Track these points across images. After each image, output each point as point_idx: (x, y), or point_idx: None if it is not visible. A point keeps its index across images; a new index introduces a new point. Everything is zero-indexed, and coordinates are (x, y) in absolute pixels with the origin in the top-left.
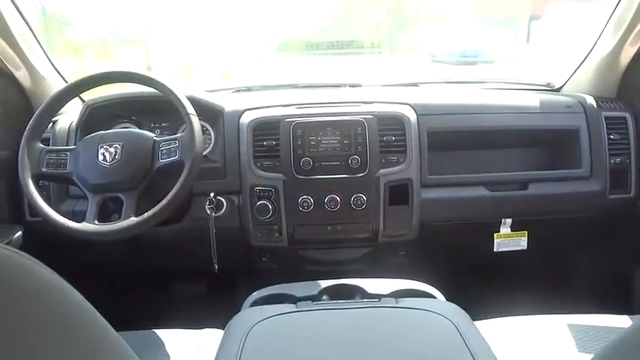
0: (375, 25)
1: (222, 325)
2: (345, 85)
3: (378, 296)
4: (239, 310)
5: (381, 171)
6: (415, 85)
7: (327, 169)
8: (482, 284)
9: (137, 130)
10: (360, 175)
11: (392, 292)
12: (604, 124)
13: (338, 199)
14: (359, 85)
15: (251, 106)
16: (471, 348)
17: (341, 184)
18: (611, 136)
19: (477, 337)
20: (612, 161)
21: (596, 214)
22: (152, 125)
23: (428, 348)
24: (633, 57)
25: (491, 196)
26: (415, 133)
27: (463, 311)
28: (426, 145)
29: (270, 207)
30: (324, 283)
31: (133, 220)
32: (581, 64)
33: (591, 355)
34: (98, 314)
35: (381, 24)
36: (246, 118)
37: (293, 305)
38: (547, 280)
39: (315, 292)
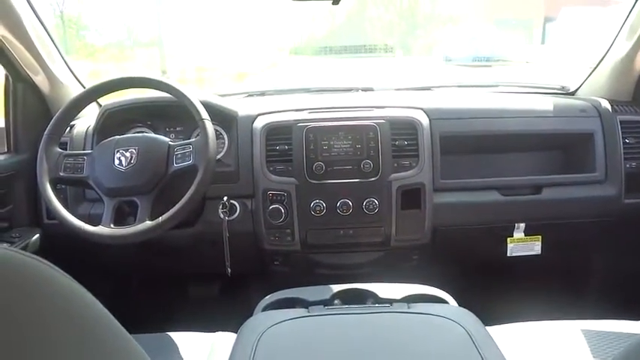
0: (388, 28)
1: (234, 329)
2: (357, 89)
3: (390, 301)
4: (251, 314)
5: (393, 175)
6: (428, 89)
7: (340, 174)
8: (495, 289)
9: (152, 135)
10: (373, 179)
11: (404, 297)
12: (619, 127)
13: (350, 203)
14: (371, 89)
15: (264, 111)
16: (482, 354)
17: (353, 188)
18: (627, 140)
19: (489, 343)
20: (627, 165)
21: (611, 219)
22: (167, 129)
23: (440, 354)
24: None
25: (504, 200)
26: (428, 137)
27: (475, 317)
28: (438, 149)
29: (283, 211)
30: (336, 288)
31: (148, 223)
32: (596, 68)
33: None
34: (112, 317)
35: (395, 26)
36: (259, 123)
37: (305, 310)
38: (561, 285)
39: (326, 297)
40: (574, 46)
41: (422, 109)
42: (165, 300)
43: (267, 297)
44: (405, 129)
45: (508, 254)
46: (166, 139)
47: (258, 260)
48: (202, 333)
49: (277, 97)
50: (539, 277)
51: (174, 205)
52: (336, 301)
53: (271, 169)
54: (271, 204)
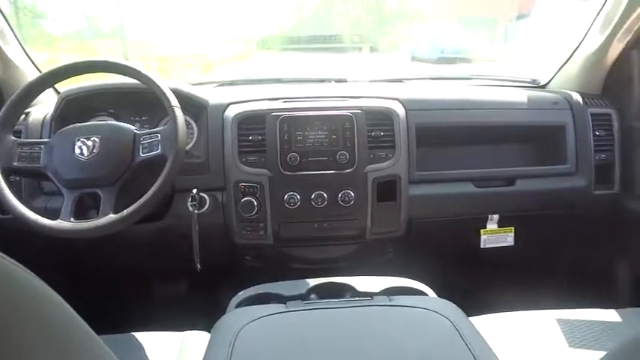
0: (356, 23)
1: (205, 327)
2: (330, 80)
3: (370, 294)
4: (223, 311)
5: (370, 167)
6: (400, 81)
7: (315, 165)
8: (471, 280)
9: (116, 123)
10: (348, 170)
11: (383, 290)
12: (590, 120)
13: (325, 195)
14: (344, 81)
15: (236, 100)
16: (469, 345)
17: (328, 180)
18: (597, 133)
19: (473, 333)
20: (597, 157)
21: (582, 210)
22: (131, 119)
23: (426, 346)
24: (620, 53)
25: (478, 192)
26: (404, 128)
27: (458, 308)
28: (414, 140)
29: (256, 203)
30: (312, 282)
31: (112, 217)
32: (567, 61)
33: (585, 349)
34: (78, 317)
35: (362, 22)
36: (230, 112)
37: (282, 305)
38: (534, 275)
39: (303, 291)
40: (546, 39)
41: (398, 99)
42: (131, 298)
43: (240, 293)
44: (381, 119)
45: (482, 246)
46: (132, 127)
47: (229, 255)
48: (171, 332)
49: (249, 87)
50: (514, 268)
51: (139, 198)
52: (312, 296)
53: (243, 160)
54: (243, 196)
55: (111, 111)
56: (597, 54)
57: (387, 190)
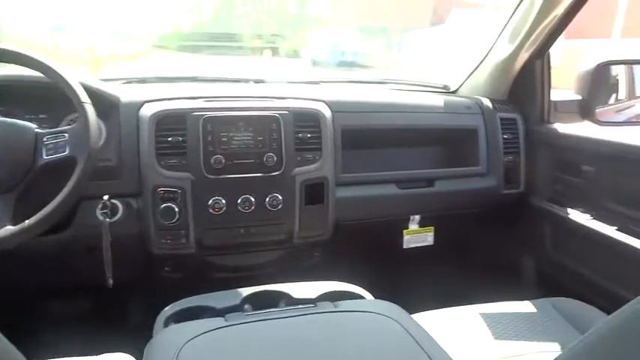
0: (257, 26)
1: (125, 348)
2: (248, 81)
3: (308, 301)
4: (147, 330)
5: (297, 169)
6: (317, 83)
7: (241, 168)
8: (396, 280)
9: (12, 120)
10: (276, 173)
11: (320, 296)
12: (499, 124)
13: (252, 199)
14: (262, 81)
15: (152, 98)
16: (420, 343)
17: (255, 183)
18: (505, 136)
19: (421, 331)
20: (506, 159)
21: (493, 208)
22: (26, 117)
23: (380, 349)
24: (525, 63)
25: (401, 193)
26: (330, 130)
27: (401, 308)
28: (340, 142)
29: (177, 210)
30: (245, 292)
31: (10, 228)
32: (476, 69)
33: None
34: None
35: (264, 26)
36: (147, 111)
37: (221, 319)
38: (454, 271)
39: (236, 302)
40: (456, 47)
41: (324, 101)
42: (37, 321)
43: (166, 309)
44: (309, 121)
45: (404, 246)
46: (31, 125)
47: (145, 267)
48: (87, 357)
49: (162, 85)
50: (435, 266)
51: (42, 206)
52: (246, 307)
53: (162, 163)
54: (162, 202)
55: (1, 109)
56: (505, 62)
57: (315, 192)
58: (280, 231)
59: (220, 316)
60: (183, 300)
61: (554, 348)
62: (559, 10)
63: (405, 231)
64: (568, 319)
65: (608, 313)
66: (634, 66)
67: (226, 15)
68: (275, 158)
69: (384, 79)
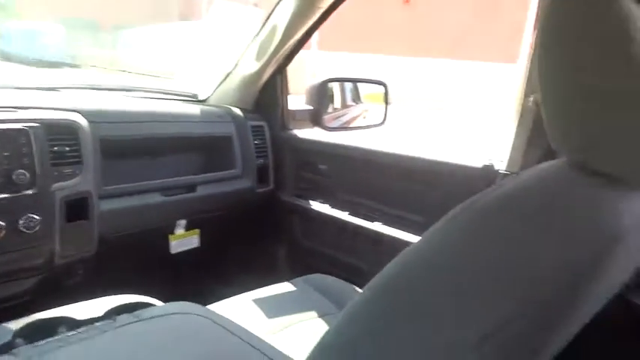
0: None
1: None
2: None
3: (95, 320)
4: None
5: (56, 185)
6: (54, 89)
7: None
8: (170, 286)
9: None
10: (30, 192)
11: (107, 312)
12: (250, 131)
13: (2, 224)
14: None
15: None
16: (237, 334)
17: (5, 205)
18: (256, 142)
19: (223, 319)
20: (258, 162)
21: (250, 206)
22: None
23: (203, 346)
24: (269, 77)
25: (165, 200)
26: (90, 141)
27: (198, 305)
28: (99, 154)
29: None
30: (14, 325)
31: None
32: (224, 80)
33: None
34: None
35: None
36: None
37: (9, 356)
38: (222, 267)
39: (7, 339)
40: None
41: (78, 111)
42: None
43: None
44: (65, 133)
45: (172, 251)
46: None
47: None
48: None
49: None
50: (204, 265)
51: None
52: (17, 340)
53: None
54: None
55: None
56: (253, 76)
57: (77, 208)
58: (38, 254)
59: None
60: None
61: (313, 315)
62: (299, 35)
63: (172, 236)
64: (320, 292)
65: (352, 282)
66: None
67: None
68: (27, 175)
69: (131, 86)
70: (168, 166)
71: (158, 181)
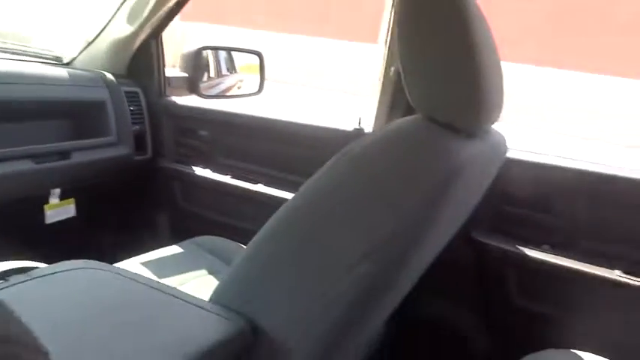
0: None
1: None
2: None
3: None
4: None
5: None
6: None
7: None
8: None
9: None
10: None
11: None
12: (124, 97)
13: None
14: None
15: None
16: (144, 282)
17: None
18: (131, 108)
19: (129, 272)
20: (134, 129)
21: (128, 174)
22: None
23: (117, 296)
24: (143, 42)
25: (37, 168)
26: None
27: (98, 262)
28: None
29: None
30: None
31: None
32: (91, 43)
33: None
34: None
35: None
36: None
37: None
38: (105, 236)
39: None
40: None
41: None
42: None
43: None
44: None
45: (47, 221)
46: None
47: None
48: None
49: None
50: (84, 235)
51: None
52: None
53: None
54: None
55: None
56: (125, 41)
57: None
58: None
59: None
60: None
61: (204, 273)
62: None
63: (46, 206)
64: (209, 252)
65: (234, 240)
66: (219, 51)
67: None
68: None
69: None
70: (40, 132)
71: (29, 147)
